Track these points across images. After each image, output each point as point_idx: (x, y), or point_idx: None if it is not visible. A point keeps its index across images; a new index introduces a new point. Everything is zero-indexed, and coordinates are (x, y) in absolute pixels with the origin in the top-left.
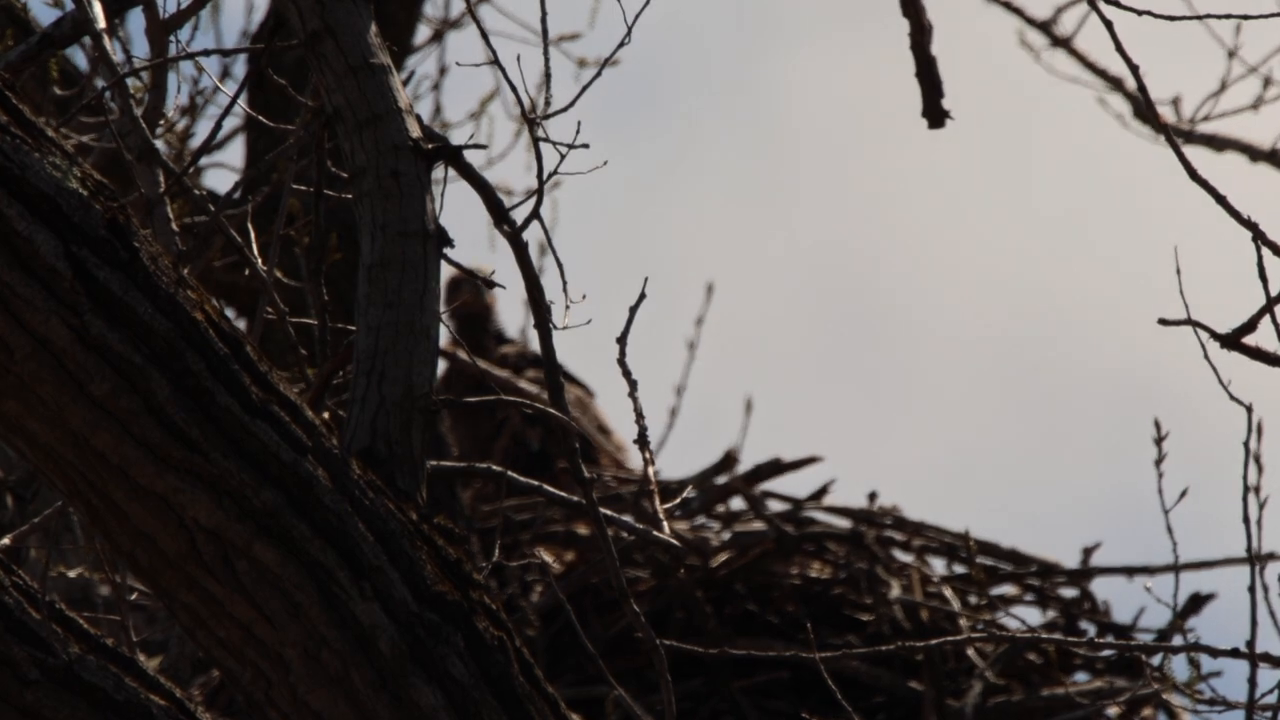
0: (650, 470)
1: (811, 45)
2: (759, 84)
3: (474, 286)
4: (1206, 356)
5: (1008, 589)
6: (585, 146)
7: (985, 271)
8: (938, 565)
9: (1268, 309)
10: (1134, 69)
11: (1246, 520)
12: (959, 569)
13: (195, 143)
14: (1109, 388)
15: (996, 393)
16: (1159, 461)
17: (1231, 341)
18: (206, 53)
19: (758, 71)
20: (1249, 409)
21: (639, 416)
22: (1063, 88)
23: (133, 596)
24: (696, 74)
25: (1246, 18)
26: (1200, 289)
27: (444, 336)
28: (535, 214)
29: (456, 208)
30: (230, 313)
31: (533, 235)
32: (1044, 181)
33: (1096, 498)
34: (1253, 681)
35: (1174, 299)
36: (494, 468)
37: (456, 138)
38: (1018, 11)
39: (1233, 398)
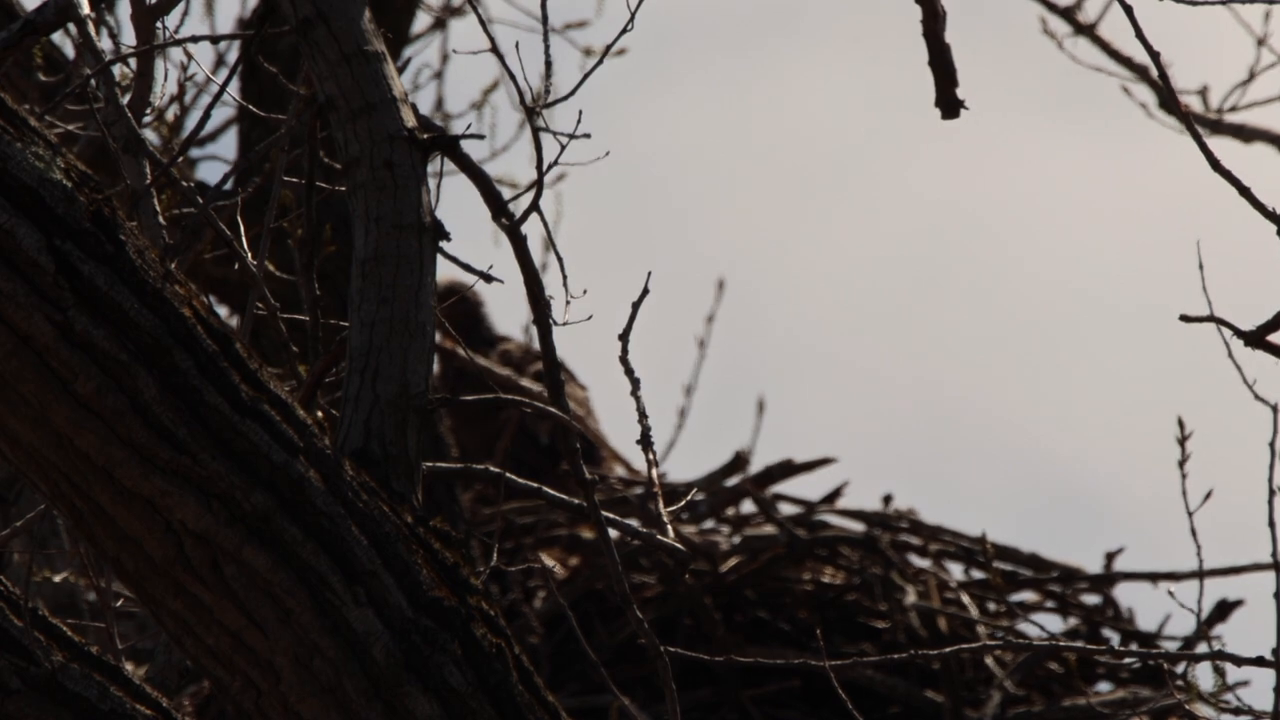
0: (654, 472)
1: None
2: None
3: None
4: (1230, 355)
5: (1028, 595)
6: (587, 136)
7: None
8: (955, 570)
9: None
10: (1154, 56)
11: (1272, 524)
12: (977, 574)
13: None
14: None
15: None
16: (1182, 462)
17: (1255, 339)
18: (194, 39)
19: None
20: (1274, 408)
21: (641, 416)
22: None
23: (119, 603)
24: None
25: (1275, 1)
26: (1224, 284)
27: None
28: (534, 206)
29: (457, 200)
30: (222, 309)
31: (534, 229)
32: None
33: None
34: (1279, 690)
35: (1197, 294)
36: (492, 469)
37: (459, 128)
38: None
39: (1258, 397)
